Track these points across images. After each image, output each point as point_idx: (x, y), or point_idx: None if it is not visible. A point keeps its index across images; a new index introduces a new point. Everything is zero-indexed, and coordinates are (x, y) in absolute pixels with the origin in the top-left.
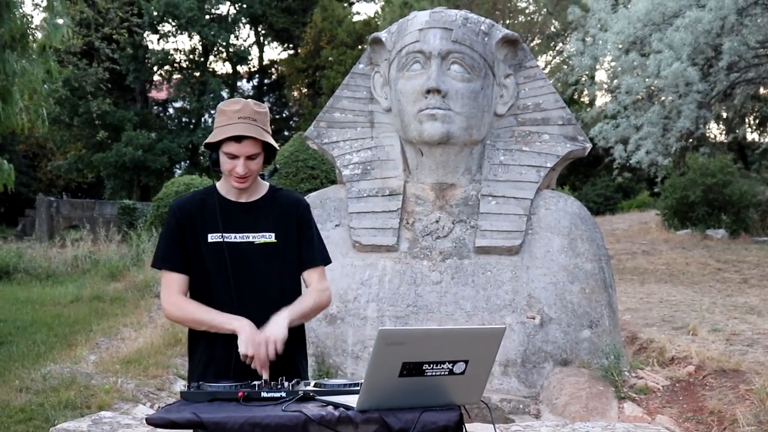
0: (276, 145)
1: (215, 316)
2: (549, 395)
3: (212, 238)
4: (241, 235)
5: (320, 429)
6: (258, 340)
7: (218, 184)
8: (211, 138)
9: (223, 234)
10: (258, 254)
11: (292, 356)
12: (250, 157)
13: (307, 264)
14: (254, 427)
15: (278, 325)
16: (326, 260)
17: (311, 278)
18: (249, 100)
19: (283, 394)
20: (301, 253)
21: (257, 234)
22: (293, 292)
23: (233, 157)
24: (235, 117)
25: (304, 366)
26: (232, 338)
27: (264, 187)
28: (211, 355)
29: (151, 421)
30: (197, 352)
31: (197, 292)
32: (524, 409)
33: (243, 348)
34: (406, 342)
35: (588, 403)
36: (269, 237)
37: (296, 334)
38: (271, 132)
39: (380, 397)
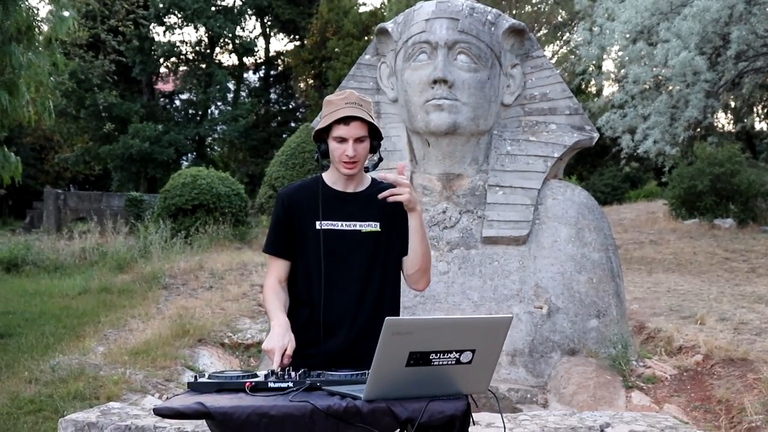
0: (381, 130)
1: (270, 308)
2: (556, 385)
3: (320, 225)
4: (348, 223)
5: (327, 419)
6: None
7: (325, 175)
8: (321, 124)
9: (331, 222)
10: (364, 242)
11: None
12: (358, 140)
13: (407, 250)
14: (261, 417)
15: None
16: None
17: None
18: (353, 90)
19: (290, 384)
20: (404, 240)
21: (363, 223)
22: (395, 278)
23: (342, 140)
24: (342, 103)
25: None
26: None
27: (367, 179)
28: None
29: (158, 412)
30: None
31: (303, 278)
32: (532, 399)
33: (264, 344)
34: (413, 331)
35: (595, 392)
36: (375, 226)
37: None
38: (375, 121)
39: (387, 386)
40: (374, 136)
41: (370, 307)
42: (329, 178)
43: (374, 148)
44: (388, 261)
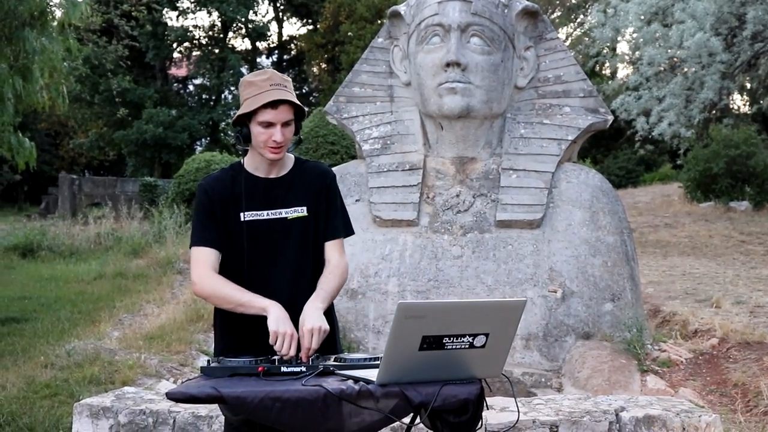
0: (305, 109)
1: (244, 294)
2: (571, 369)
3: (244, 216)
4: (273, 211)
5: (340, 403)
6: (302, 330)
7: (245, 161)
8: (245, 108)
9: (256, 211)
10: (292, 230)
11: (331, 337)
12: (285, 124)
13: (329, 235)
14: (274, 402)
15: (320, 316)
16: (349, 231)
17: (332, 252)
18: (272, 69)
19: (303, 369)
20: (327, 223)
21: (289, 209)
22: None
23: (269, 125)
24: (266, 85)
25: (338, 339)
26: (259, 319)
27: (290, 160)
28: (238, 335)
29: (172, 396)
30: (225, 328)
31: (231, 270)
32: (546, 383)
33: (274, 325)
34: (426, 315)
35: (610, 376)
36: (301, 211)
37: (328, 310)
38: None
39: (400, 370)
40: (298, 117)
41: (306, 295)
42: (250, 164)
43: (297, 130)
44: (317, 245)
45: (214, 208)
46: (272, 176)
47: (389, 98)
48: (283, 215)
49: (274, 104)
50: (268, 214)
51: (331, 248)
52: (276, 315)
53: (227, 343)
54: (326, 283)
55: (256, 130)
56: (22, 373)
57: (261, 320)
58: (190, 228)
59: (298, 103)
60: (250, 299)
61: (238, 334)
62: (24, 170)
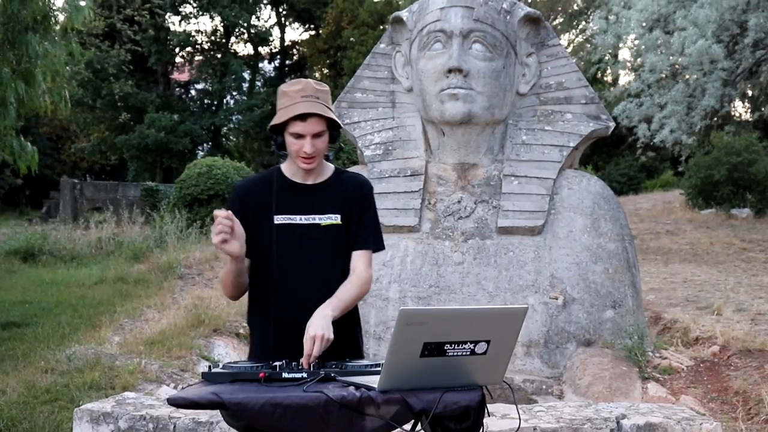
0: (340, 122)
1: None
2: (572, 376)
3: (278, 219)
4: (307, 216)
5: (341, 410)
6: (306, 336)
7: (283, 166)
8: (276, 120)
9: (289, 215)
10: (324, 236)
11: (345, 341)
12: (316, 136)
13: (358, 245)
14: (275, 408)
15: (328, 324)
16: (379, 245)
17: (358, 262)
18: (309, 79)
19: (304, 375)
20: (357, 233)
21: (323, 216)
22: None
23: (299, 136)
24: (298, 96)
25: (360, 340)
26: (284, 323)
27: (329, 168)
28: (261, 338)
29: (172, 402)
30: (254, 332)
31: (260, 272)
32: (547, 390)
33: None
34: (428, 322)
35: (611, 383)
36: (335, 219)
37: (350, 315)
38: (333, 110)
39: (402, 377)
40: (333, 126)
41: None
42: (288, 169)
43: (333, 139)
44: (348, 254)
45: (246, 211)
46: (309, 182)
47: (391, 104)
48: (317, 221)
49: (302, 117)
50: (301, 219)
51: (357, 258)
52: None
53: (253, 345)
54: (343, 291)
55: (288, 140)
56: (23, 377)
57: (287, 324)
58: (191, 233)
59: (330, 116)
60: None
61: (261, 337)
62: (26, 174)
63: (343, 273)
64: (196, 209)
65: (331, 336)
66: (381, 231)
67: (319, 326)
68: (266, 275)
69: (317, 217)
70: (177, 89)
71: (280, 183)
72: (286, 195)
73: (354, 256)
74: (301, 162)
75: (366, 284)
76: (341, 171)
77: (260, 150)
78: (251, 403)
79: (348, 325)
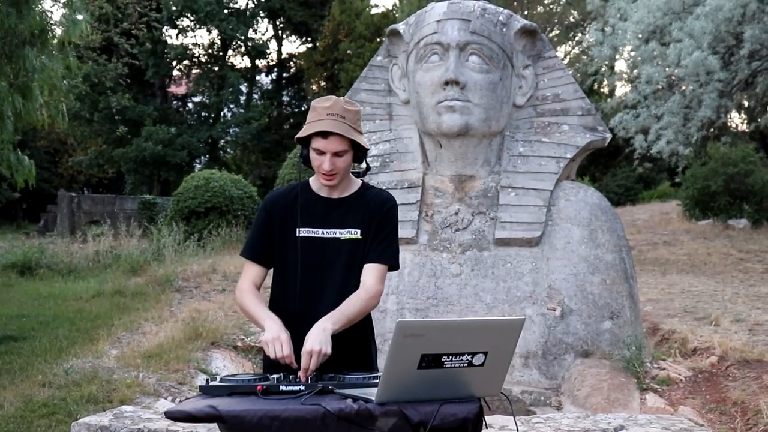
0: (366, 144)
1: (256, 310)
2: (570, 387)
3: (300, 232)
4: (328, 230)
5: (339, 422)
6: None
7: (311, 180)
8: (301, 133)
9: (311, 228)
10: (342, 250)
11: (354, 356)
12: (336, 154)
13: (372, 258)
14: (273, 421)
15: (327, 339)
16: (392, 262)
17: (368, 275)
18: (341, 98)
19: (302, 388)
20: (372, 245)
21: (344, 230)
22: None
23: (320, 153)
24: (324, 113)
25: (373, 353)
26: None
27: (356, 184)
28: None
29: (170, 415)
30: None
31: (286, 283)
32: (545, 401)
33: (264, 335)
34: (425, 334)
35: (610, 394)
36: (355, 233)
37: (360, 329)
38: (361, 130)
39: (399, 389)
40: (359, 147)
41: None
42: (315, 183)
43: (359, 159)
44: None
45: (272, 222)
46: (333, 197)
47: (388, 116)
48: (336, 235)
49: (324, 134)
50: (322, 233)
51: (368, 271)
52: (269, 326)
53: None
54: (347, 305)
55: (312, 154)
56: (20, 391)
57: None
58: (188, 246)
59: (351, 136)
60: (256, 312)
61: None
62: (23, 188)
63: (358, 287)
64: (194, 222)
65: (328, 350)
66: (398, 249)
67: (317, 341)
68: (289, 287)
69: (338, 231)
70: (174, 102)
71: (306, 196)
72: (310, 208)
73: (365, 269)
74: (321, 178)
75: (374, 299)
76: (368, 187)
77: (258, 162)
78: (249, 416)
79: (357, 338)
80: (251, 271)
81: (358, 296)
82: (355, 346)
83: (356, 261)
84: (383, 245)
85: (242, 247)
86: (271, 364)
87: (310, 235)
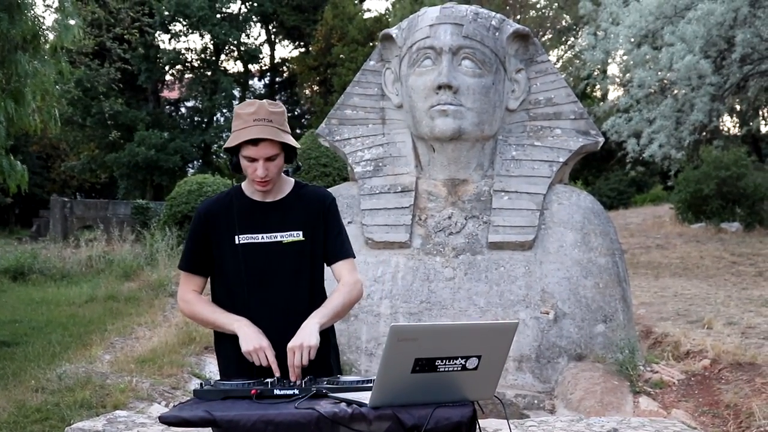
0: (295, 143)
1: (218, 316)
2: (564, 390)
3: (239, 239)
4: (268, 235)
5: (333, 426)
6: (293, 345)
7: (243, 185)
8: (229, 143)
9: (251, 234)
10: (287, 253)
11: (325, 357)
12: (269, 159)
13: (336, 256)
14: (267, 425)
15: (310, 331)
16: (353, 254)
17: (342, 270)
18: (264, 100)
19: (296, 392)
20: (329, 245)
21: (285, 233)
22: (322, 289)
23: (252, 160)
24: (250, 120)
25: (335, 361)
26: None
27: (289, 184)
28: (237, 354)
29: (164, 420)
30: (222, 351)
31: (232, 292)
32: (539, 405)
33: (244, 346)
34: (419, 338)
35: (603, 397)
36: (297, 235)
37: (324, 332)
38: (289, 130)
39: (393, 393)
40: (289, 147)
41: (301, 319)
42: (247, 188)
43: (290, 159)
44: (314, 270)
45: (209, 232)
46: (268, 200)
47: (381, 120)
48: (279, 239)
49: (254, 141)
50: (263, 238)
51: (340, 267)
52: (244, 333)
53: (221, 366)
54: (331, 300)
55: (242, 162)
56: (13, 397)
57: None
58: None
59: (282, 139)
60: (219, 319)
61: (228, 356)
62: (15, 193)
63: (310, 288)
64: (187, 227)
65: (312, 342)
66: (349, 241)
67: (299, 337)
68: (237, 296)
69: (279, 234)
70: (167, 107)
71: (241, 202)
72: (247, 214)
73: (336, 267)
74: (255, 185)
75: (355, 287)
76: (302, 185)
77: None
78: (243, 420)
79: (324, 345)
80: (191, 282)
81: (339, 291)
82: (323, 353)
83: (303, 263)
84: (339, 239)
85: (180, 260)
86: (238, 370)
87: (250, 241)
